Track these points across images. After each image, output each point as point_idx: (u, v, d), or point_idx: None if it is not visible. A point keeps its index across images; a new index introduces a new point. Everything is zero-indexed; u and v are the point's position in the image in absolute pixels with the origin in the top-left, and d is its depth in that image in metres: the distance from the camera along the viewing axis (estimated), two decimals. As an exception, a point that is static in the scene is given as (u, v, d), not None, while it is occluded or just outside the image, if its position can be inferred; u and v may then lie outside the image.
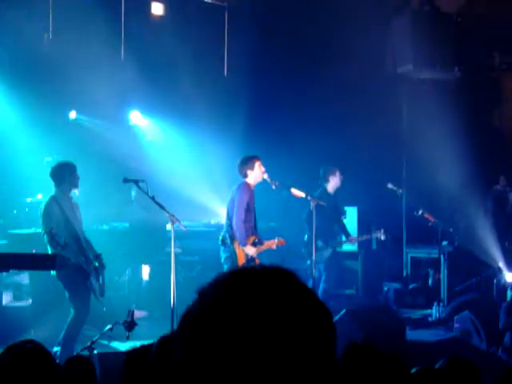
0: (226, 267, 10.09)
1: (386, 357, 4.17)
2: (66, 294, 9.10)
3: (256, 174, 10.24)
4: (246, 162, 10.28)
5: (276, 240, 10.48)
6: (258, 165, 10.24)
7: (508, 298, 10.98)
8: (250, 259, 10.03)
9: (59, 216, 9.06)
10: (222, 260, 10.18)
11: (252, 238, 10.18)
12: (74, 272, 8.99)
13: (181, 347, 1.48)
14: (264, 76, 13.87)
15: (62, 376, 4.12)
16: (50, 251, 8.87)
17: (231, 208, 10.21)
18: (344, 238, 12.05)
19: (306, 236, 11.82)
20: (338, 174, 12.09)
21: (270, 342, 1.40)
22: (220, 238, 10.23)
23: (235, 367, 1.40)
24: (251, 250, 10.08)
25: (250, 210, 10.20)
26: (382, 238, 12.05)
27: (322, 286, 11.61)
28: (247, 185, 10.22)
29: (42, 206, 9.16)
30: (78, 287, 9.05)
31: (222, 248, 10.21)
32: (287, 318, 1.43)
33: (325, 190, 12.01)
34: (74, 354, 7.43)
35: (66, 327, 8.96)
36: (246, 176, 10.24)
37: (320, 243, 11.39)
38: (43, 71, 11.79)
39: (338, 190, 12.14)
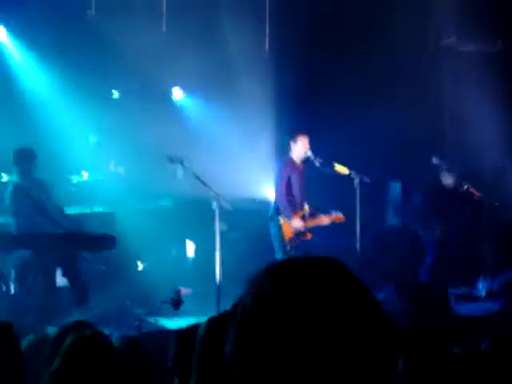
0: (275, 244, 10.08)
1: (427, 330, 4.18)
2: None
3: (298, 149, 10.22)
4: (291, 135, 10.28)
5: (333, 215, 10.33)
6: (301, 140, 10.20)
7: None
8: (298, 233, 10.00)
9: (26, 201, 9.10)
10: (272, 237, 10.18)
11: (300, 213, 10.15)
12: None
13: (233, 340, 1.53)
14: (306, 51, 13.77)
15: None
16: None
17: (274, 184, 10.25)
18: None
19: None
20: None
21: (320, 337, 1.44)
22: (269, 214, 10.24)
23: (287, 361, 1.45)
24: (298, 224, 10.03)
25: (291, 185, 10.17)
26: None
27: None
28: (288, 159, 10.22)
29: (7, 196, 9.27)
30: None
31: (270, 224, 10.21)
32: (337, 313, 1.46)
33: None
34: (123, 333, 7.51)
35: None
36: (289, 149, 10.26)
37: None
38: (88, 48, 11.85)
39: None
